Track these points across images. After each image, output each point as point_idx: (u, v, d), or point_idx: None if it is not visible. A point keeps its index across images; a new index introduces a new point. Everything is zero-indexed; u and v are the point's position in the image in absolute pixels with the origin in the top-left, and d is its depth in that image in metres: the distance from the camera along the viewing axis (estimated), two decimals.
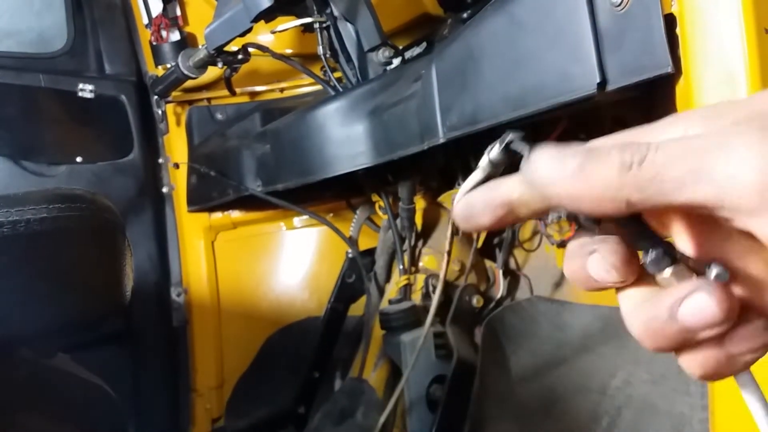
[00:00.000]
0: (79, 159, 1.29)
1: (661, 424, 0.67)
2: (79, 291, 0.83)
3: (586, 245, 0.20)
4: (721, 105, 0.19)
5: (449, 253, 0.95)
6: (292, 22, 0.95)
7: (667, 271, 0.20)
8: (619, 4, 0.46)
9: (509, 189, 0.21)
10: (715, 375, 0.20)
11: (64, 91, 1.28)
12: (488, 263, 1.10)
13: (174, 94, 1.29)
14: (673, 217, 0.21)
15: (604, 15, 0.48)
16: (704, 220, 0.20)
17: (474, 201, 0.21)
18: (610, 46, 0.47)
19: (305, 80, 1.31)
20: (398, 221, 1.01)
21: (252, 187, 1.05)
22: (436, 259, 1.03)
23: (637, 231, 0.20)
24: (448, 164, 1.00)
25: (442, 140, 0.68)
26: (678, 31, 0.45)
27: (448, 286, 1.01)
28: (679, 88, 0.47)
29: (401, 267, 1.01)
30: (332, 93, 0.98)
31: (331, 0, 0.92)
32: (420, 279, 1.01)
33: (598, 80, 0.48)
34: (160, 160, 1.39)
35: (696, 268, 0.20)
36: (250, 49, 1.08)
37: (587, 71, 0.48)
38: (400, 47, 0.93)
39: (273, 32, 1.00)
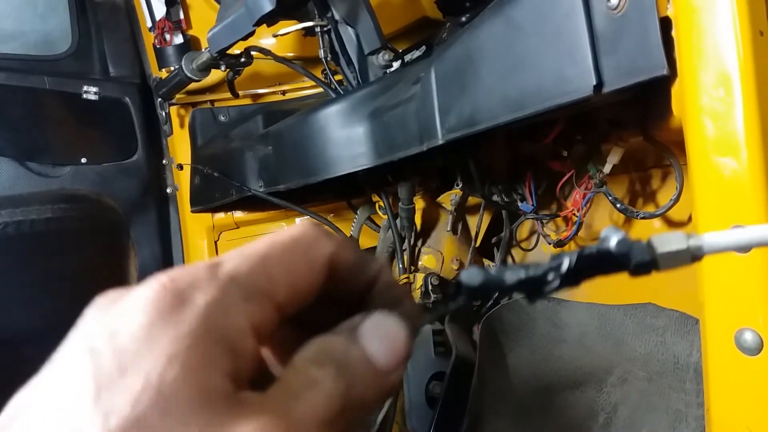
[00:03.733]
0: (83, 160, 1.30)
1: (658, 421, 0.67)
2: (83, 291, 0.84)
3: None
4: None
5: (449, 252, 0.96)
6: (294, 26, 0.96)
7: None
8: (616, 8, 0.47)
9: None
10: None
11: (68, 93, 1.30)
12: (486, 262, 1.11)
13: (177, 96, 1.31)
14: None
15: (601, 18, 0.48)
16: None
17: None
18: (607, 48, 0.48)
19: (307, 83, 1.32)
20: (398, 221, 1.02)
21: (254, 187, 1.06)
22: (435, 258, 1.04)
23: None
24: (446, 165, 1.01)
25: (440, 141, 0.68)
26: (673, 33, 0.46)
27: (447, 285, 1.02)
28: (675, 90, 0.48)
29: (401, 266, 1.02)
30: (333, 95, 0.99)
31: (332, 4, 0.93)
32: (419, 277, 1.02)
33: (594, 82, 0.48)
34: (164, 161, 1.40)
35: None
36: (253, 53, 1.09)
37: (584, 73, 0.49)
38: (400, 50, 0.94)
39: (275, 36, 1.01)
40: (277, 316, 0.20)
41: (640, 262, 0.19)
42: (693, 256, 0.20)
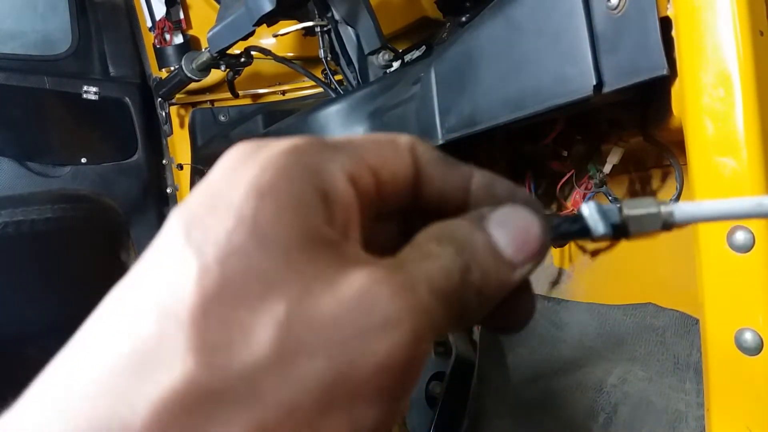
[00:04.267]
0: (83, 160, 1.30)
1: (657, 421, 0.67)
2: (83, 290, 0.84)
3: None
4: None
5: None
6: (294, 26, 0.96)
7: None
8: (616, 7, 0.47)
9: None
10: None
11: (68, 93, 1.30)
12: None
13: (177, 96, 1.31)
14: None
15: (601, 18, 0.48)
16: None
17: None
18: (606, 48, 0.48)
19: (306, 83, 1.32)
20: None
21: None
22: None
23: None
24: None
25: (440, 142, 0.68)
26: (673, 33, 0.46)
27: None
28: (675, 90, 0.48)
29: None
30: (333, 95, 0.99)
31: (332, 4, 0.93)
32: None
33: (594, 82, 0.48)
34: (164, 161, 1.41)
35: None
36: (253, 53, 1.09)
37: (584, 74, 0.49)
38: (400, 50, 0.94)
39: (275, 36, 1.01)
40: (374, 187, 0.18)
41: (610, 229, 0.19)
42: (664, 222, 0.19)
